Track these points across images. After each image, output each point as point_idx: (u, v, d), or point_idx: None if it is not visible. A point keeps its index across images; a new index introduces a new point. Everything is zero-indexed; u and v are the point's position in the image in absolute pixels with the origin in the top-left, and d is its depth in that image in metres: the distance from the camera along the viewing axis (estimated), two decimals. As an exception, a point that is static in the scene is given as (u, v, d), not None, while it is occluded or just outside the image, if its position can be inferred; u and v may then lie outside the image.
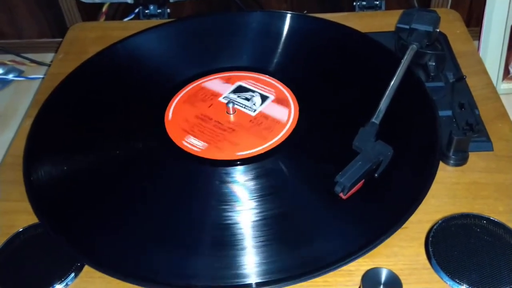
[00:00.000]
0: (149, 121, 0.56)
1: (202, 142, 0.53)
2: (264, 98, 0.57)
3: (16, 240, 0.46)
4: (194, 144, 0.53)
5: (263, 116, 0.55)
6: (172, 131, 0.55)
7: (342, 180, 0.45)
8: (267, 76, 0.61)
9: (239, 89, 0.59)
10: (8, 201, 0.50)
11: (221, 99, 0.58)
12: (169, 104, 0.58)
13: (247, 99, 0.56)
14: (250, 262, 0.43)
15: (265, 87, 0.58)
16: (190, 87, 0.60)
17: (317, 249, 0.44)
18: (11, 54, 0.93)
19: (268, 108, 0.56)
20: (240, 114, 0.56)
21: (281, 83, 0.59)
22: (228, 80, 0.60)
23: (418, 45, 0.57)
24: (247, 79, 0.60)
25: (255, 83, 0.59)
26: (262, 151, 0.52)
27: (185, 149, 0.52)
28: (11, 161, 0.55)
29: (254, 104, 0.55)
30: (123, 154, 0.53)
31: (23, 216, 0.48)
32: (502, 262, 0.42)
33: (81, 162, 0.53)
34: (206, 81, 0.61)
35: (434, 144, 0.51)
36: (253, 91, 0.57)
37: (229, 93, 0.58)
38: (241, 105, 0.56)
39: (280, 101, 0.56)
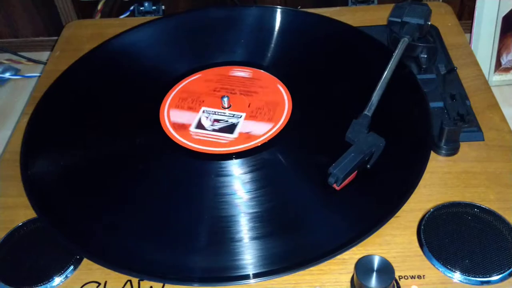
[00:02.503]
0: (145, 116, 0.57)
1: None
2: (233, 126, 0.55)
3: (15, 235, 0.47)
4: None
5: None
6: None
7: (335, 171, 0.46)
8: (261, 70, 0.61)
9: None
10: (7, 197, 0.51)
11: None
12: (165, 97, 0.59)
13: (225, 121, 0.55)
14: (247, 254, 0.44)
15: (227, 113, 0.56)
16: (192, 78, 0.61)
17: (312, 239, 0.45)
18: (8, 53, 0.94)
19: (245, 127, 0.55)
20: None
21: (274, 77, 0.60)
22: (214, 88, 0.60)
23: (409, 38, 0.58)
24: (243, 73, 0.61)
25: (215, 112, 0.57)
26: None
27: (177, 141, 0.53)
28: (9, 158, 0.55)
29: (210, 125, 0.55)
30: (119, 148, 0.54)
31: (22, 211, 0.49)
32: (493, 249, 0.43)
33: (77, 157, 0.54)
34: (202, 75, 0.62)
35: (426, 134, 0.51)
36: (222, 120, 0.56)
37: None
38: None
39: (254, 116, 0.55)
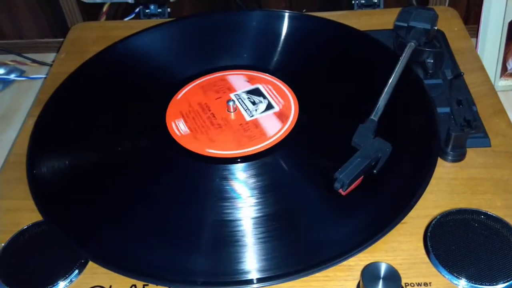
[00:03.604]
0: (151, 119, 0.57)
1: (187, 129, 0.54)
2: (268, 108, 0.57)
3: (20, 238, 0.47)
4: (180, 127, 0.54)
5: (254, 124, 0.55)
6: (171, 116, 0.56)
7: (341, 176, 0.46)
8: (267, 74, 0.61)
9: (254, 92, 0.59)
10: (12, 199, 0.51)
11: (232, 95, 0.58)
12: (171, 101, 0.59)
13: (253, 103, 0.56)
14: (251, 258, 0.44)
15: (278, 97, 0.57)
16: (213, 76, 0.61)
17: (317, 245, 0.45)
18: (13, 54, 0.94)
19: (264, 118, 0.56)
20: (238, 114, 0.56)
21: (281, 81, 0.60)
22: (251, 80, 0.61)
23: (416, 42, 0.58)
24: (268, 83, 0.60)
25: (272, 90, 0.59)
26: (233, 156, 0.52)
27: (170, 130, 0.54)
28: (14, 160, 0.55)
29: (256, 110, 0.55)
30: (124, 151, 0.54)
31: (27, 214, 0.49)
32: (499, 256, 0.43)
33: (84, 160, 0.53)
34: (230, 74, 0.62)
35: (433, 140, 0.51)
36: (265, 98, 0.57)
37: (243, 92, 0.58)
38: (244, 106, 0.57)
39: (280, 116, 0.56)
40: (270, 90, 0.59)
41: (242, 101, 0.57)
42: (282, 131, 0.54)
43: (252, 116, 0.56)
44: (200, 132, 0.54)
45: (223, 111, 0.57)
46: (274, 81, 0.60)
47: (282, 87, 0.59)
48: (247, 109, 0.56)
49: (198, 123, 0.55)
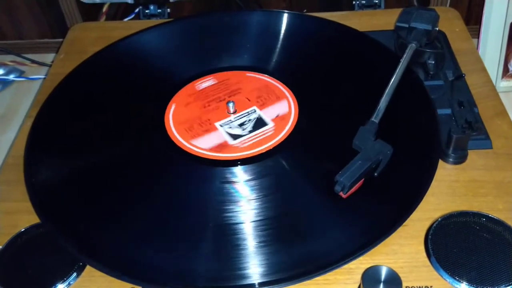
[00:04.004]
0: (150, 120, 0.56)
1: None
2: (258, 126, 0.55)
3: (18, 240, 0.46)
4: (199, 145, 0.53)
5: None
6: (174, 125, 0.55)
7: (342, 179, 0.46)
8: (267, 76, 0.61)
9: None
10: (10, 201, 0.51)
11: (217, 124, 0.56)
12: (169, 104, 0.58)
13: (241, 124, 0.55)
14: (252, 263, 0.44)
15: (272, 111, 0.56)
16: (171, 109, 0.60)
17: (318, 248, 0.44)
18: (12, 54, 0.94)
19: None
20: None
21: (280, 82, 0.60)
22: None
23: (417, 43, 0.58)
24: (249, 79, 0.60)
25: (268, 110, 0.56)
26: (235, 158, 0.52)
27: (182, 147, 0.53)
28: (12, 162, 0.55)
29: (243, 130, 0.54)
30: (123, 153, 0.54)
31: (25, 216, 0.48)
32: (501, 259, 0.43)
33: (82, 162, 0.53)
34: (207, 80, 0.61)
35: (434, 142, 0.51)
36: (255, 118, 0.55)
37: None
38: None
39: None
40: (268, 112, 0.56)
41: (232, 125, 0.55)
42: (290, 121, 0.54)
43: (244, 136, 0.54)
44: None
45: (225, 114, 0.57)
46: (274, 82, 0.60)
47: (282, 88, 0.59)
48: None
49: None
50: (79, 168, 0.52)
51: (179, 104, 0.58)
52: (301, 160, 0.52)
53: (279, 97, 0.57)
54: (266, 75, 0.61)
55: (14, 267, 0.45)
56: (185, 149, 0.53)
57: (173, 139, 0.54)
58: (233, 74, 0.61)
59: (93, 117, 0.58)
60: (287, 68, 0.62)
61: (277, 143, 0.53)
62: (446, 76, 0.59)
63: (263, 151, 0.52)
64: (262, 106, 0.57)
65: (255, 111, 0.56)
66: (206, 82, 0.61)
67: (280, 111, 0.56)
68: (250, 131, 0.54)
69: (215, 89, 0.60)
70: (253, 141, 0.53)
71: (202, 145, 0.53)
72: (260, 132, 0.54)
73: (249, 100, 0.57)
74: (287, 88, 0.59)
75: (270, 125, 0.54)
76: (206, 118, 0.56)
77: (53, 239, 0.46)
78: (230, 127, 0.55)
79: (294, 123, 0.55)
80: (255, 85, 0.59)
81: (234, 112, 0.56)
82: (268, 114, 0.56)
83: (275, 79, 0.60)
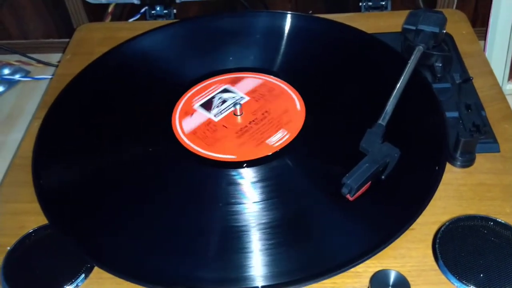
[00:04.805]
0: (157, 122, 0.56)
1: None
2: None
3: (26, 241, 0.46)
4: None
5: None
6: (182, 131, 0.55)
7: (349, 181, 0.46)
8: (273, 77, 0.61)
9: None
10: (18, 202, 0.51)
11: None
12: (176, 104, 0.58)
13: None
14: (257, 265, 0.44)
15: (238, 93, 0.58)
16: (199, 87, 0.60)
17: (325, 252, 0.44)
18: (18, 54, 0.94)
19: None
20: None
21: (288, 84, 0.60)
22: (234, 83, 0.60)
23: (424, 46, 0.58)
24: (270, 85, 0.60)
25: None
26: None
27: (189, 149, 0.53)
28: (20, 163, 0.55)
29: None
30: (131, 155, 0.54)
31: (33, 217, 0.49)
32: (509, 263, 0.42)
33: (90, 163, 0.53)
34: (215, 81, 0.61)
35: (441, 145, 0.51)
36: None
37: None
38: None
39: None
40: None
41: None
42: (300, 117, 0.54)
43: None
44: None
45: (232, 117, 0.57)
46: (280, 84, 0.60)
47: (289, 90, 0.59)
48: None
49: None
50: (87, 170, 0.53)
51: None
52: (308, 162, 0.52)
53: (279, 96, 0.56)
54: (271, 76, 0.61)
55: (22, 268, 0.45)
56: (193, 151, 0.53)
57: (180, 141, 0.54)
58: (272, 83, 0.60)
59: (101, 118, 0.58)
60: (294, 70, 0.62)
61: (284, 145, 0.53)
62: (453, 79, 0.59)
63: (270, 153, 0.52)
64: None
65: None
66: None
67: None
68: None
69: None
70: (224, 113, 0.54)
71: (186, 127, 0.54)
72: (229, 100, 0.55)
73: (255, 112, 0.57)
74: (293, 89, 0.59)
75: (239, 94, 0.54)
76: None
77: (61, 240, 0.46)
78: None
79: (301, 125, 0.54)
80: (280, 104, 0.58)
81: (241, 115, 0.56)
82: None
83: (282, 81, 0.60)
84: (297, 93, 0.59)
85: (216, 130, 0.55)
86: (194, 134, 0.55)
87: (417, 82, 0.56)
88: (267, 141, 0.53)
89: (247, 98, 0.57)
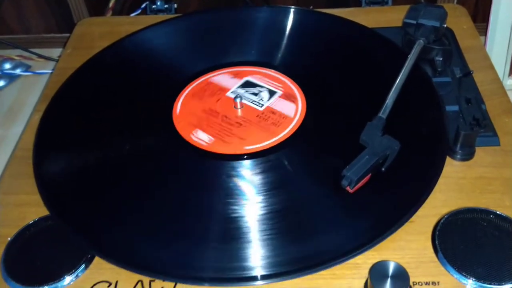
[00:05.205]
0: (157, 116, 0.57)
1: (210, 137, 0.53)
2: (272, 93, 0.57)
3: (27, 232, 0.47)
4: (201, 138, 0.53)
5: (270, 111, 0.56)
6: (180, 125, 0.55)
7: (349, 174, 0.46)
8: (274, 71, 0.61)
9: (247, 84, 0.59)
10: (19, 194, 0.51)
11: (228, 93, 0.58)
12: (177, 99, 0.58)
13: (255, 94, 0.57)
14: (257, 255, 0.44)
15: (273, 82, 0.58)
16: (198, 81, 0.60)
17: (324, 243, 0.45)
18: (19, 49, 0.94)
19: (275, 103, 0.56)
20: (248, 109, 0.56)
21: (289, 78, 0.60)
22: (236, 75, 0.61)
23: (425, 40, 0.58)
24: (255, 74, 0.61)
25: (263, 78, 0.59)
26: (269, 146, 0.52)
27: (193, 143, 0.53)
28: (21, 155, 0.55)
29: (261, 99, 0.56)
30: (131, 148, 0.54)
31: (34, 209, 0.49)
32: (508, 256, 0.43)
33: (90, 156, 0.53)
34: (215, 75, 0.61)
35: (441, 138, 0.51)
36: (261, 86, 0.58)
37: (237, 87, 0.59)
38: (249, 100, 0.57)
39: (288, 96, 0.57)
40: (260, 78, 0.59)
41: (243, 95, 0.57)
42: (299, 110, 0.55)
43: (263, 105, 0.56)
44: (226, 135, 0.53)
45: (232, 110, 0.56)
46: (282, 78, 0.60)
47: (290, 84, 0.59)
48: (253, 101, 0.56)
49: (217, 128, 0.54)
50: (87, 162, 0.53)
51: (189, 98, 0.58)
52: (308, 154, 0.52)
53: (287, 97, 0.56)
54: (274, 71, 0.61)
55: (23, 259, 0.45)
56: (192, 143, 0.53)
57: (181, 133, 0.54)
58: (269, 75, 0.61)
59: (102, 111, 0.58)
60: (294, 64, 0.62)
61: (285, 138, 0.53)
62: (453, 73, 0.59)
63: (270, 146, 0.52)
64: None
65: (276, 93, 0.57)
66: (217, 76, 0.61)
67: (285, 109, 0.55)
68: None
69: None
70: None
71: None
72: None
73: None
74: (294, 83, 0.59)
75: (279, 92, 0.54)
76: (214, 110, 0.57)
77: (62, 231, 0.46)
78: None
79: (302, 118, 0.55)
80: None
81: (241, 108, 0.56)
82: (275, 104, 0.56)
83: (283, 75, 0.60)
84: (297, 86, 0.59)
85: (232, 128, 0.55)
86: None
87: (418, 76, 0.56)
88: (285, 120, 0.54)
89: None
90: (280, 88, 0.58)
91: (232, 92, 0.58)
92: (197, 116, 0.56)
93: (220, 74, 0.61)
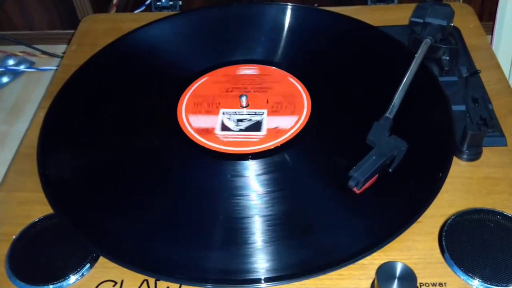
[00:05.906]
0: (163, 113, 0.56)
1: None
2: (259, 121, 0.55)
3: (31, 231, 0.47)
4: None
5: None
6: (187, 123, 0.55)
7: (356, 174, 0.45)
8: (279, 69, 0.61)
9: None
10: (23, 192, 0.51)
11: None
12: (182, 96, 0.58)
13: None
14: (264, 257, 0.44)
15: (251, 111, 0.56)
16: (201, 80, 0.60)
17: (331, 243, 0.44)
18: (23, 45, 0.94)
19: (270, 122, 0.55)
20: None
21: (294, 77, 0.59)
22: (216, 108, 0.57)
23: (432, 39, 0.57)
24: (250, 71, 0.60)
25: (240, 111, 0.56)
26: (274, 146, 0.52)
27: (198, 142, 0.53)
28: (26, 152, 0.55)
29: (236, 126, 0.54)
30: (136, 145, 0.54)
31: (38, 207, 0.49)
32: (515, 257, 0.42)
33: (96, 153, 0.53)
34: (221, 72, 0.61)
35: (448, 139, 0.50)
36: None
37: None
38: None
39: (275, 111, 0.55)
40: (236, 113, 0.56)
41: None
42: (305, 110, 0.54)
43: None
44: None
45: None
46: (290, 78, 0.59)
47: (295, 82, 0.59)
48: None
49: None
50: (92, 159, 0.53)
51: (210, 79, 0.59)
52: (314, 155, 0.52)
53: (293, 112, 0.55)
54: (278, 69, 0.60)
55: (27, 257, 0.45)
56: (198, 142, 0.52)
57: (186, 132, 0.54)
58: (276, 72, 0.60)
59: (106, 108, 0.58)
60: (299, 62, 0.62)
61: (290, 137, 0.52)
62: (460, 72, 0.58)
63: (276, 145, 0.52)
64: (273, 112, 0.55)
65: (262, 114, 0.55)
66: (248, 70, 0.61)
67: (282, 125, 0.54)
68: (241, 130, 0.53)
69: (249, 80, 0.59)
70: (236, 139, 0.52)
71: (194, 123, 0.54)
72: (248, 135, 0.53)
73: (267, 102, 0.56)
74: (299, 82, 0.58)
75: (262, 133, 0.53)
76: (218, 101, 0.57)
77: (66, 230, 0.46)
78: (228, 118, 0.54)
79: (307, 118, 0.54)
80: (284, 91, 0.58)
81: (246, 107, 0.56)
82: (271, 123, 0.54)
83: (289, 73, 0.60)
84: (302, 85, 0.58)
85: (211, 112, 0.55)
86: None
87: (424, 75, 0.56)
88: (283, 128, 0.53)
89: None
90: (260, 136, 0.53)
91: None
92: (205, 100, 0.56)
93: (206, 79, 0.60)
